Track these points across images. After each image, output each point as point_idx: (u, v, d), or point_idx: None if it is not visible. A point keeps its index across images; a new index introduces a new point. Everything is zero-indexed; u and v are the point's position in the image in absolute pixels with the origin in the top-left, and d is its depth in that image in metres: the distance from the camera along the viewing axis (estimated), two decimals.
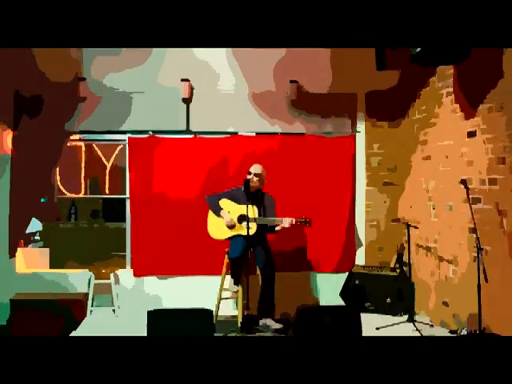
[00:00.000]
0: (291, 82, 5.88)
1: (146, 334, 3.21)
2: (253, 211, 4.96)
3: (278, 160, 5.84)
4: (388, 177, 6.10)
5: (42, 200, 6.11)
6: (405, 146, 5.92)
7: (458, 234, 4.89)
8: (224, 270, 5.32)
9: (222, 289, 5.31)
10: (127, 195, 5.92)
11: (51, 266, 6.07)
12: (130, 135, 5.87)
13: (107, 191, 6.35)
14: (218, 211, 5.22)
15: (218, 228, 5.22)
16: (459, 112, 4.88)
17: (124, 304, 5.76)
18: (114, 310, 5.74)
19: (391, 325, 5.01)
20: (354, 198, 6.00)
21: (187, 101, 5.89)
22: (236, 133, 5.98)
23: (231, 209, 5.20)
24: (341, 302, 5.70)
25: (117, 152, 6.18)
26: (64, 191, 6.07)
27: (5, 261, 5.60)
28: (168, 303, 5.55)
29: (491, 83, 4.37)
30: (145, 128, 5.86)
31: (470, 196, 4.40)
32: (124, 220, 6.03)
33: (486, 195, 4.48)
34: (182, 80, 5.80)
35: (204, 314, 3.33)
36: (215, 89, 5.91)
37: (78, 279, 5.77)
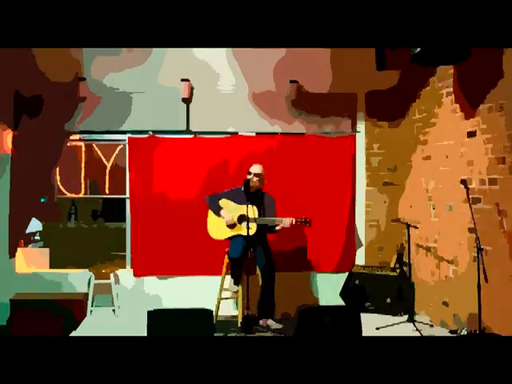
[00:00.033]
0: (291, 81, 5.88)
1: (146, 334, 3.21)
2: (253, 211, 4.96)
3: (278, 160, 5.84)
4: (388, 177, 6.10)
5: (42, 200, 6.10)
6: (405, 146, 5.92)
7: (457, 233, 4.89)
8: (224, 270, 5.31)
9: (222, 289, 5.31)
10: (127, 195, 5.92)
11: (51, 266, 6.07)
12: (130, 135, 5.87)
13: (107, 191, 6.34)
14: (217, 211, 5.22)
15: (217, 228, 5.22)
16: (459, 112, 4.89)
17: (124, 304, 5.76)
18: (113, 310, 5.74)
19: (391, 325, 5.01)
20: (354, 198, 6.00)
21: (187, 101, 5.89)
22: (236, 133, 5.98)
23: (231, 209, 5.19)
24: (341, 302, 5.70)
25: (117, 152, 6.19)
26: (64, 191, 6.07)
27: (5, 261, 5.61)
28: (168, 303, 5.55)
29: (491, 83, 4.37)
30: (145, 128, 5.86)
31: (470, 196, 4.40)
32: (124, 220, 6.04)
33: (486, 195, 4.48)
34: (182, 80, 5.79)
35: (204, 314, 3.33)
36: (215, 89, 5.91)
37: (77, 279, 5.78)
